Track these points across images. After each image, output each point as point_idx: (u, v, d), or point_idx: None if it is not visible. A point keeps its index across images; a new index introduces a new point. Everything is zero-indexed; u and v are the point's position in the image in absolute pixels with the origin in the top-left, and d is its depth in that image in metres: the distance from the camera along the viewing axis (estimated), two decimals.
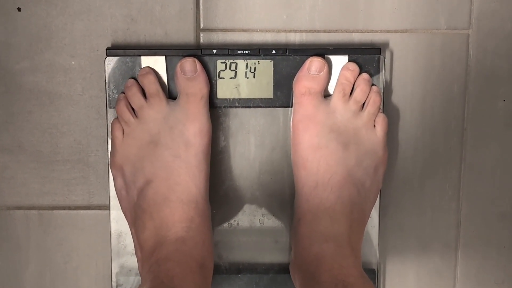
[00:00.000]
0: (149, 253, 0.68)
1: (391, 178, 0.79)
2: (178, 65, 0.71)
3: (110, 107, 0.73)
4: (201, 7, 0.75)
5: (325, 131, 0.71)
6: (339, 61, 0.73)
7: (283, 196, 0.77)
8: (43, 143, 0.77)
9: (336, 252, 0.68)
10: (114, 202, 0.74)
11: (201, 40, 0.76)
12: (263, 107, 0.74)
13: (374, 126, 0.73)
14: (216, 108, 0.74)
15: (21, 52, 0.75)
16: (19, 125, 0.76)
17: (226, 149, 0.76)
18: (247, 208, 0.77)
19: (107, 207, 0.77)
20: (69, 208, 0.79)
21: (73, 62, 0.75)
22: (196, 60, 0.71)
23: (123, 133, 0.71)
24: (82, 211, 0.79)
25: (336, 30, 0.76)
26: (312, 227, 0.70)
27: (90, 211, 0.79)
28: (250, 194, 0.77)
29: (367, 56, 0.73)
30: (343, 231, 0.70)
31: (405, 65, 0.77)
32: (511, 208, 0.81)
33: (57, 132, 0.77)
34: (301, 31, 0.76)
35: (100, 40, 0.75)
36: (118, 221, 0.75)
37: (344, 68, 0.73)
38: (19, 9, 0.74)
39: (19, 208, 0.78)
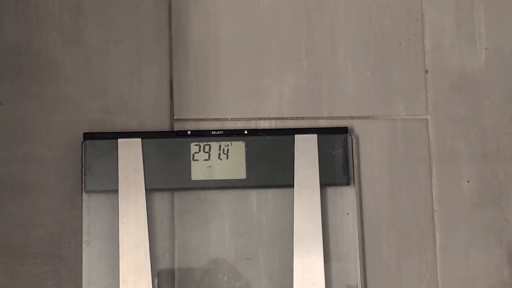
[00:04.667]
0: None
1: (367, 261, 0.79)
2: None
3: (85, 192, 0.74)
4: (174, 99, 0.79)
5: None
6: (308, 140, 0.76)
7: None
8: (14, 235, 0.75)
9: None
10: None
11: (175, 130, 0.79)
12: (236, 188, 0.76)
13: None
14: (191, 190, 0.75)
15: None
16: None
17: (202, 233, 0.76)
18: None
19: None
20: None
21: (49, 153, 0.77)
22: None
23: None
24: None
25: (303, 117, 0.80)
26: None
27: None
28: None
29: (335, 135, 0.77)
30: None
31: (370, 150, 0.80)
32: None
33: (29, 223, 0.75)
34: (270, 118, 0.80)
35: (76, 131, 0.77)
36: None
37: None
38: None
39: None
